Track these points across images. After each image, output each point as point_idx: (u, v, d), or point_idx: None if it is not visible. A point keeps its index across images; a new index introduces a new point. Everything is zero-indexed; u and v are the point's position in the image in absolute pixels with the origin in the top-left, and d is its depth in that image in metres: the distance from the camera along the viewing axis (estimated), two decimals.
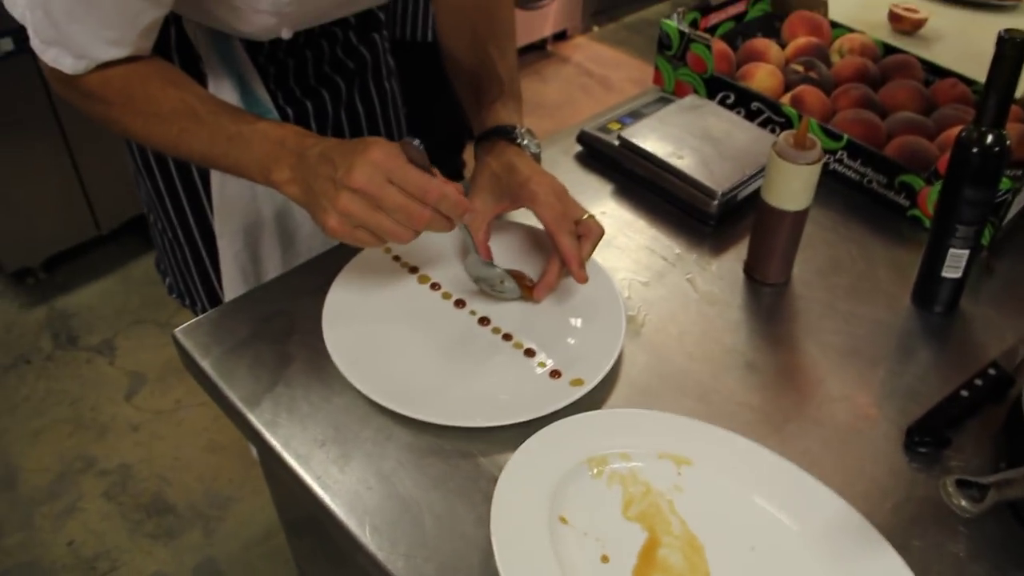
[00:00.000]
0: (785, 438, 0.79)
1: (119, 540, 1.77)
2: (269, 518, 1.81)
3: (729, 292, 0.95)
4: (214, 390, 0.84)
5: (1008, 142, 0.82)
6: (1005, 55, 0.79)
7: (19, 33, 1.90)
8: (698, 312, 0.92)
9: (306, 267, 0.95)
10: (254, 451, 1.00)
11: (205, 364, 0.85)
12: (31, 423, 1.99)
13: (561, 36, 3.46)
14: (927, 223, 1.03)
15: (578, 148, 1.14)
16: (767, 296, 0.95)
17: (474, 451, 0.76)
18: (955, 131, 1.07)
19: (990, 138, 0.82)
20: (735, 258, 0.99)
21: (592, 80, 3.28)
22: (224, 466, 1.92)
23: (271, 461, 0.78)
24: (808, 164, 0.86)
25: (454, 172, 2.56)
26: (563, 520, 0.69)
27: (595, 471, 0.73)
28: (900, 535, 0.71)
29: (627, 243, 1.00)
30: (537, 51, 3.39)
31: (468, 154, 2.61)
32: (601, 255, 0.96)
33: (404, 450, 0.76)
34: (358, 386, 0.79)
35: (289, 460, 0.76)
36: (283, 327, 0.88)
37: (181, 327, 0.89)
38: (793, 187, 0.88)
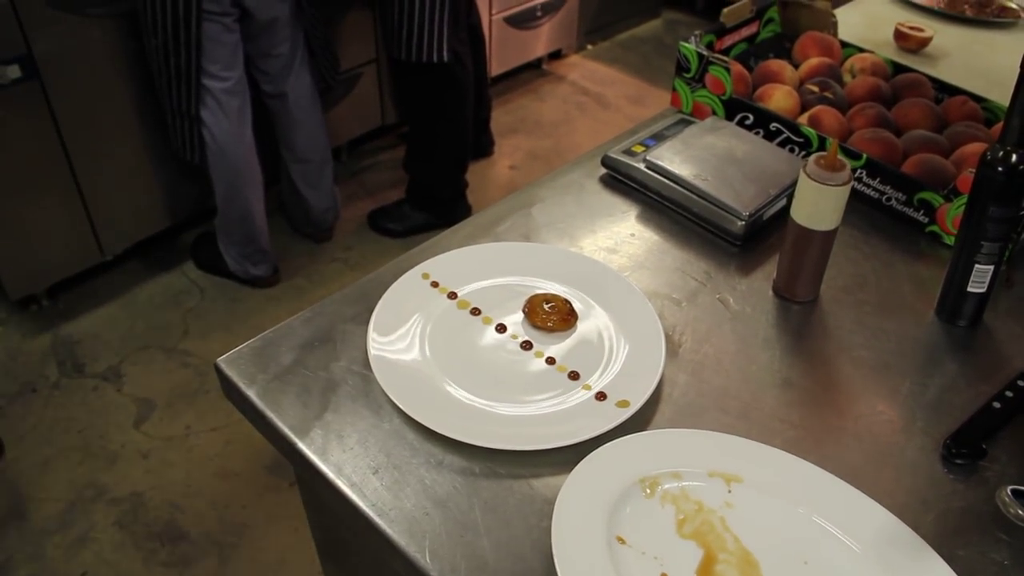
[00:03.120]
0: (826, 453, 0.81)
1: (133, 570, 1.76)
2: (284, 543, 1.81)
3: (760, 310, 0.97)
4: (261, 419, 0.85)
5: None
6: None
7: (25, 60, 1.92)
8: (732, 331, 0.94)
9: (344, 296, 0.96)
10: (293, 474, 1.00)
11: (251, 393, 0.86)
12: (40, 452, 1.99)
13: (556, 55, 3.49)
14: (946, 239, 1.06)
15: (602, 171, 1.16)
16: (797, 314, 0.97)
17: (526, 474, 0.78)
18: (969, 148, 1.11)
19: (1014, 157, 0.85)
20: (763, 277, 1.01)
21: (588, 98, 3.31)
22: (237, 492, 1.92)
23: (320, 488, 0.79)
24: (838, 186, 0.88)
25: (457, 192, 2.58)
26: (621, 540, 0.71)
27: (648, 491, 0.74)
28: (945, 545, 0.72)
29: (658, 264, 1.02)
30: (532, 70, 3.42)
31: (471, 173, 2.63)
32: (635, 277, 0.98)
33: (458, 475, 0.78)
34: (408, 412, 0.80)
35: (344, 488, 0.76)
36: (327, 354, 0.89)
37: (223, 356, 0.90)
38: (824, 208, 0.90)
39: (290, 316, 0.93)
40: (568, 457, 0.78)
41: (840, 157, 0.88)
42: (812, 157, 0.90)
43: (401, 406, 0.81)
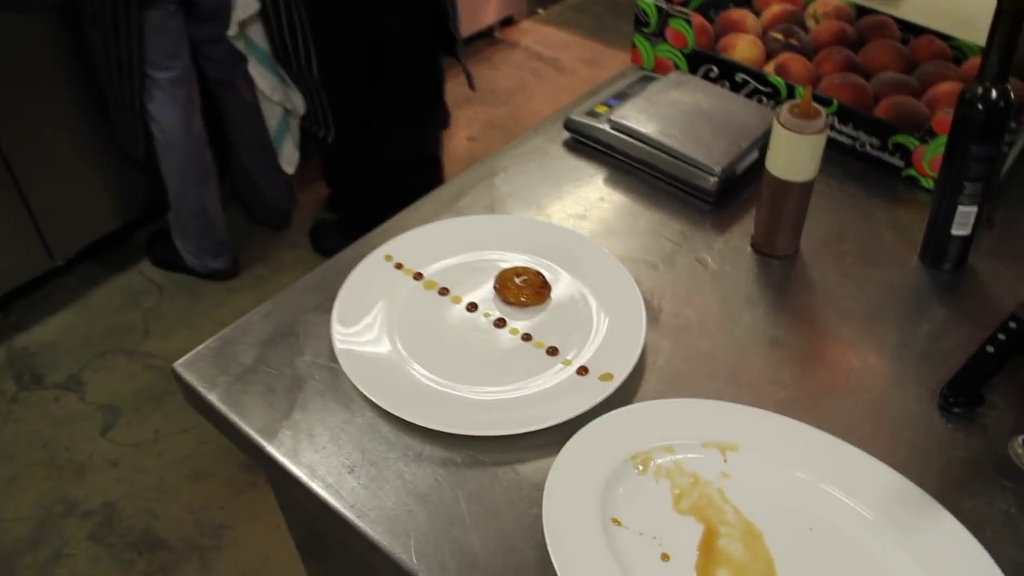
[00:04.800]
0: (821, 412, 0.78)
1: None
2: (266, 541, 1.77)
3: (740, 268, 0.93)
4: (225, 424, 0.80)
5: (1012, 96, 0.82)
6: (1004, 9, 0.78)
7: None
8: (713, 291, 0.90)
9: (304, 285, 0.91)
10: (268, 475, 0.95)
11: (212, 397, 0.80)
12: (3, 470, 1.91)
13: (508, 22, 3.42)
14: (923, 182, 1.03)
15: (565, 135, 1.11)
16: (778, 269, 0.94)
17: (511, 459, 0.74)
18: (941, 88, 1.08)
19: (994, 94, 0.81)
20: (740, 233, 0.98)
21: (543, 63, 3.25)
22: (212, 493, 1.86)
23: (295, 492, 0.74)
24: (814, 134, 0.84)
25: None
26: (616, 522, 0.67)
27: (640, 468, 0.71)
28: (950, 498, 0.70)
29: (630, 228, 0.98)
30: (485, 38, 3.34)
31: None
32: (607, 242, 0.94)
33: (438, 466, 0.73)
34: (381, 404, 0.76)
35: (319, 491, 0.72)
36: (290, 349, 0.84)
37: (180, 360, 0.84)
38: (800, 158, 0.86)
39: (254, 307, 0.88)
40: (554, 438, 0.74)
41: (815, 104, 0.85)
42: (785, 106, 0.86)
43: (373, 399, 0.76)
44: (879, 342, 0.85)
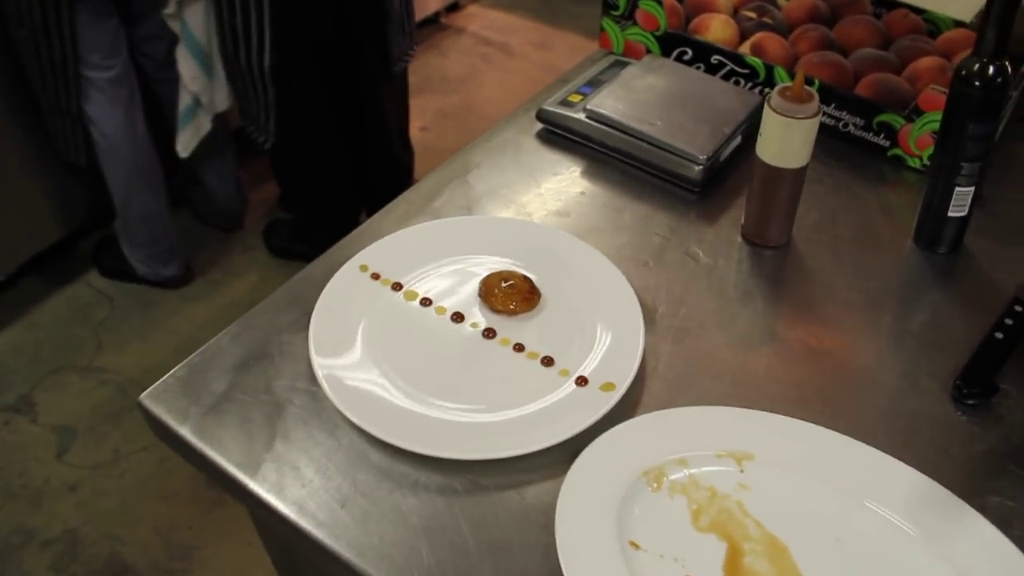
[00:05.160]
0: (832, 411, 0.74)
1: None
2: (239, 559, 1.70)
3: (732, 260, 0.90)
4: (201, 459, 0.73)
5: (1010, 72, 0.79)
6: None
7: None
8: (708, 287, 0.86)
9: (274, 301, 0.85)
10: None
11: (185, 431, 0.74)
12: None
13: (454, 7, 3.34)
14: (910, 161, 1.00)
15: (538, 126, 1.06)
16: (771, 260, 0.90)
17: (515, 483, 0.69)
18: (921, 64, 1.05)
19: (992, 70, 0.79)
20: (729, 223, 0.94)
21: (492, 48, 3.19)
22: (180, 513, 1.78)
23: (282, 530, 0.69)
24: (807, 118, 0.81)
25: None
26: (634, 545, 0.63)
27: (654, 484, 0.67)
28: (976, 495, 0.67)
29: (616, 223, 0.94)
30: (431, 25, 3.26)
31: None
32: (594, 240, 0.89)
33: (437, 495, 0.68)
34: (371, 431, 0.70)
35: (310, 530, 0.66)
36: (265, 373, 0.78)
37: (147, 392, 0.78)
38: (793, 143, 0.82)
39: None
40: (558, 456, 0.69)
41: (807, 88, 0.81)
42: (776, 89, 0.82)
43: (363, 426, 0.71)
44: (883, 333, 0.82)
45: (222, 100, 1.99)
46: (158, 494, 1.82)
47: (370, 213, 2.47)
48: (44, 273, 2.29)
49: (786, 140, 0.82)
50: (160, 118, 2.13)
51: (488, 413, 0.72)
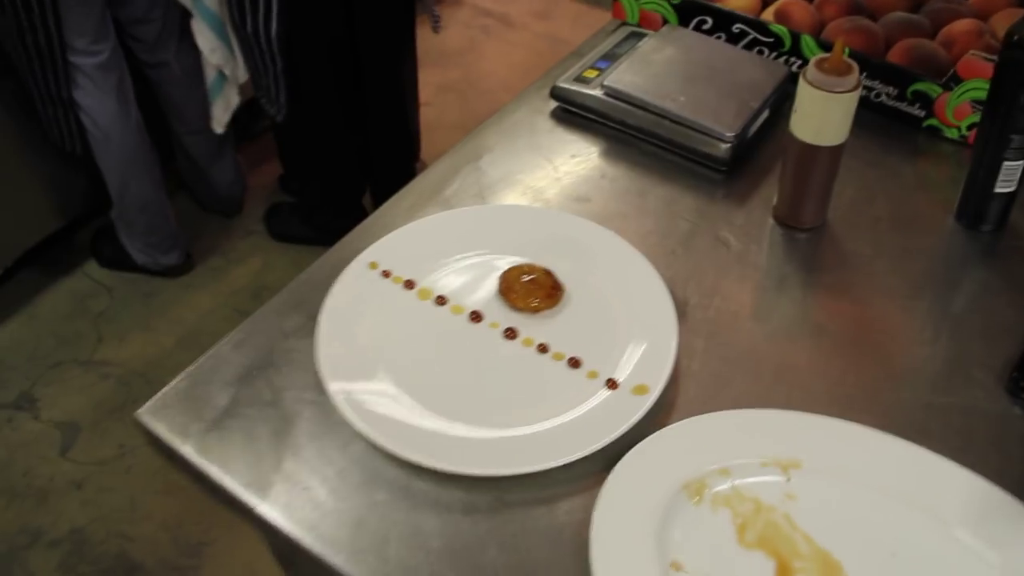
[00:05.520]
0: (881, 410, 0.69)
1: None
2: (249, 555, 1.66)
3: (765, 245, 0.84)
4: (204, 480, 0.69)
5: None
6: None
7: None
8: (741, 275, 0.81)
9: (278, 304, 0.79)
10: None
11: (186, 450, 0.70)
12: None
13: None
14: (948, 132, 0.94)
15: (552, 105, 1.00)
16: (806, 243, 0.85)
17: (544, 498, 0.64)
18: (956, 27, 0.99)
19: None
20: (760, 204, 0.88)
21: (491, 19, 3.10)
22: (188, 508, 1.74)
23: (297, 557, 0.64)
24: (847, 92, 0.75)
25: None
26: (676, 567, 0.58)
27: (695, 498, 0.61)
28: None
29: (640, 207, 0.88)
30: None
31: None
32: (617, 227, 0.83)
33: (460, 515, 0.63)
34: (388, 447, 0.65)
35: (329, 558, 0.62)
36: (271, 383, 0.73)
37: (145, 407, 0.73)
38: (831, 119, 0.76)
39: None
40: (589, 468, 0.64)
41: (846, 59, 0.75)
42: (813, 61, 0.76)
43: (377, 441, 0.66)
44: (929, 320, 0.77)
45: (242, 71, 1.93)
46: (165, 489, 1.78)
47: (373, 192, 2.39)
48: (42, 265, 2.23)
49: (824, 116, 0.76)
50: (153, 104, 2.07)
51: (512, 423, 0.67)
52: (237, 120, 2.42)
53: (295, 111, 1.96)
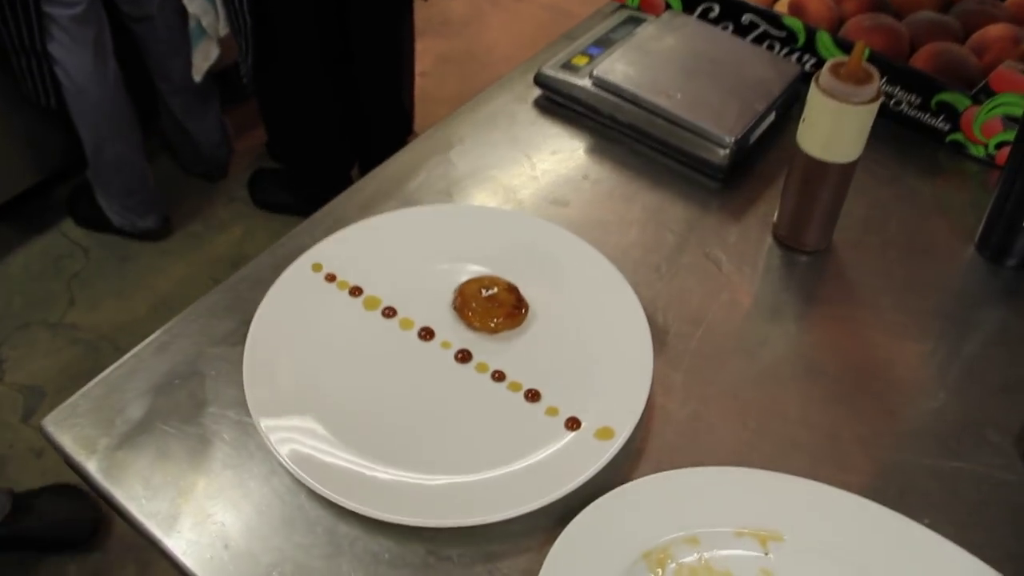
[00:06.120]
0: (880, 471, 0.61)
1: None
2: None
3: (762, 268, 0.75)
4: (109, 503, 0.61)
5: None
6: None
7: None
8: (730, 301, 0.72)
9: (209, 305, 0.71)
10: None
11: (91, 467, 0.61)
12: None
13: None
14: (973, 149, 0.85)
15: (536, 92, 0.91)
16: (806, 267, 0.76)
17: (485, 555, 0.56)
18: (990, 32, 0.89)
19: None
20: (758, 220, 0.79)
21: None
22: None
23: None
24: (865, 103, 0.65)
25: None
26: None
27: (657, 570, 0.53)
28: None
29: (623, 216, 0.79)
30: None
31: None
32: (595, 237, 0.74)
33: (389, 567, 0.55)
34: (312, 486, 0.57)
35: None
36: (192, 397, 0.65)
37: (51, 415, 0.65)
38: (845, 133, 0.67)
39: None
40: (538, 522, 0.56)
41: (866, 65, 0.65)
42: (828, 65, 0.66)
43: (302, 478, 0.58)
44: (940, 369, 0.68)
45: (222, 25, 1.84)
46: None
47: (363, 166, 2.29)
48: (15, 222, 2.15)
49: (837, 129, 0.67)
50: (136, 61, 1.97)
51: (454, 468, 0.59)
52: (226, 80, 2.32)
53: (275, 75, 1.87)
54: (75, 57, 1.76)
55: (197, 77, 1.94)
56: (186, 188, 2.24)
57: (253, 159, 2.32)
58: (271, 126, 2.16)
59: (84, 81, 1.80)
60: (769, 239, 0.78)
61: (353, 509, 0.56)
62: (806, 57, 0.90)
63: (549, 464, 0.58)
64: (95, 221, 2.12)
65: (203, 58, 1.93)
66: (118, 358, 0.68)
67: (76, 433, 0.63)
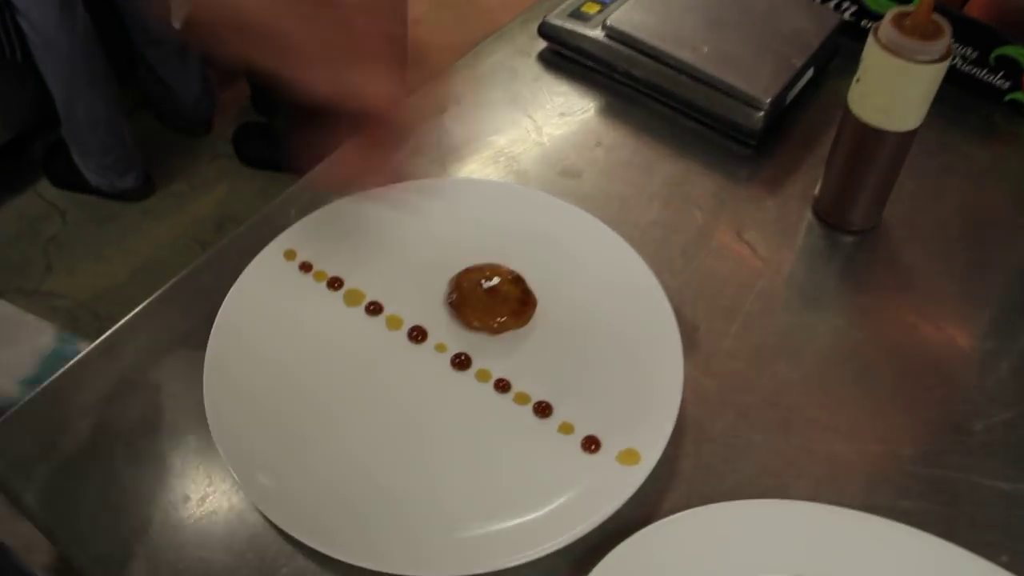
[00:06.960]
0: (950, 501, 0.52)
1: None
2: None
3: (801, 251, 0.66)
4: (52, 541, 0.52)
5: None
6: None
7: None
8: (768, 290, 0.63)
9: (167, 299, 0.61)
10: None
11: (29, 499, 0.52)
12: None
13: None
14: None
15: (541, 45, 0.80)
16: (853, 250, 0.66)
17: None
18: None
19: None
20: (797, 193, 0.69)
21: None
22: None
23: None
24: (932, 62, 0.55)
25: None
26: None
27: None
28: None
29: (642, 188, 0.69)
30: None
31: None
32: (611, 215, 0.64)
33: None
34: (285, 527, 0.48)
35: None
36: (146, 409, 0.56)
37: None
38: (907, 96, 0.57)
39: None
40: (552, 566, 0.48)
41: (936, 17, 0.55)
42: (889, 17, 0.56)
43: (274, 519, 0.49)
44: (1019, 372, 0.59)
45: None
46: None
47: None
48: None
49: (898, 92, 0.57)
50: (108, 9, 1.85)
51: (450, 505, 0.50)
52: None
53: None
54: (40, 8, 1.65)
55: (176, 23, 1.82)
56: (167, 145, 2.13)
57: (238, 113, 2.20)
58: (252, 78, 2.04)
59: (51, 32, 1.68)
60: (809, 215, 0.68)
61: (337, 558, 0.47)
62: (846, 4, 0.80)
63: (565, 498, 0.49)
64: (71, 181, 2.01)
65: (181, 1, 1.81)
66: (98, 325, 0.59)
67: (12, 455, 0.55)
